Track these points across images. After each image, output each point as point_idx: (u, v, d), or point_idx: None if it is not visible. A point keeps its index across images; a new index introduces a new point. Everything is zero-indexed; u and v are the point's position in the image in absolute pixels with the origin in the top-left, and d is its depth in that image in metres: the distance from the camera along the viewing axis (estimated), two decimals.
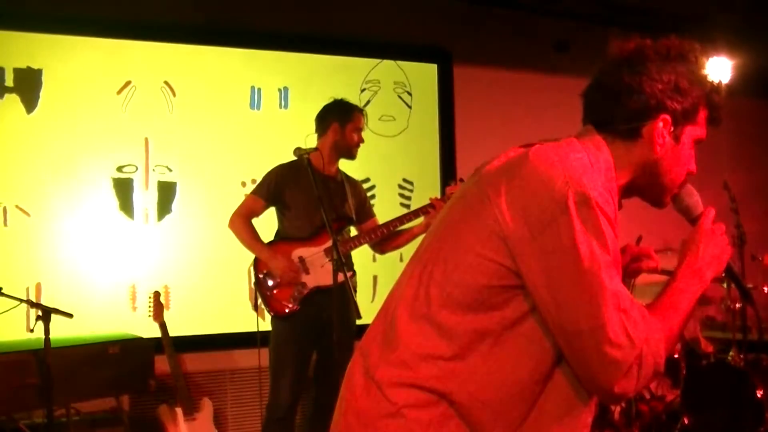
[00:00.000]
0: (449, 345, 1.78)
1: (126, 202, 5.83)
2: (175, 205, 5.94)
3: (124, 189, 5.83)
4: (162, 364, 5.26)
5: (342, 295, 4.87)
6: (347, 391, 1.96)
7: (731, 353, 5.91)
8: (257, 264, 4.92)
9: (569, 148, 1.83)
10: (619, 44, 1.99)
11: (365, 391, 1.87)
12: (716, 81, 1.97)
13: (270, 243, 4.96)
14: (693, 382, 6.14)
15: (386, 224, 5.01)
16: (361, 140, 5.15)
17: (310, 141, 5.20)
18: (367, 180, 6.42)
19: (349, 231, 5.12)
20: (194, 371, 5.84)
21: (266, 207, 5.02)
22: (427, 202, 5.01)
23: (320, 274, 4.86)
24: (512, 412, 1.80)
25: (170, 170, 5.95)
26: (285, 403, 4.86)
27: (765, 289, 6.23)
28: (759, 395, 5.66)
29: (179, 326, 5.58)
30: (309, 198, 4.86)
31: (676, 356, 6.60)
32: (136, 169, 5.87)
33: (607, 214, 1.72)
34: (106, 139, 5.78)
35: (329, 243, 4.80)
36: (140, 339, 5.07)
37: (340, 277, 4.80)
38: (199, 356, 5.83)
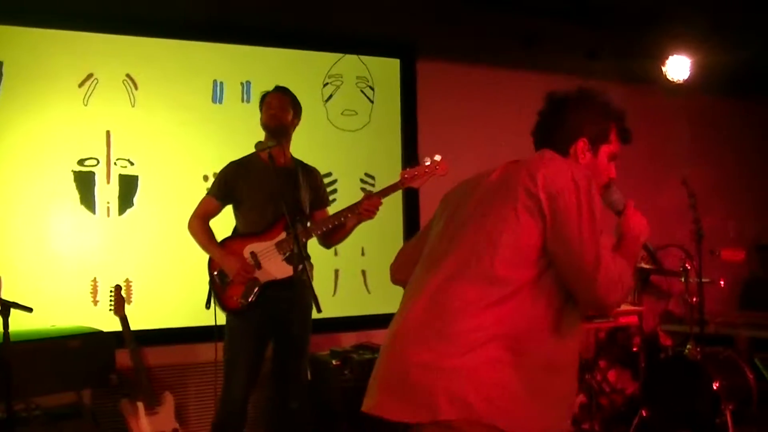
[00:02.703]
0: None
1: (87, 196, 5.80)
2: (136, 199, 5.92)
3: (85, 182, 5.80)
4: (123, 358, 5.24)
5: (299, 288, 4.89)
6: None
7: (689, 346, 5.99)
8: (211, 263, 4.96)
9: (557, 157, 2.73)
10: (553, 93, 2.92)
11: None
12: (621, 112, 2.89)
13: (223, 240, 4.98)
14: (652, 375, 6.22)
15: (333, 217, 4.96)
16: (272, 111, 5.06)
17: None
18: (329, 174, 6.43)
19: (305, 223, 5.08)
20: (156, 365, 5.83)
21: (221, 206, 5.06)
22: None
23: (272, 268, 4.86)
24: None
25: (132, 164, 5.93)
26: (238, 397, 4.89)
27: (721, 283, 6.31)
28: (715, 387, 5.76)
29: (141, 320, 5.56)
30: (260, 192, 4.93)
31: (635, 350, 6.69)
32: (98, 162, 5.84)
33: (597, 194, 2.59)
34: (67, 132, 5.75)
35: (281, 236, 4.85)
36: (101, 333, 5.06)
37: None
38: (160, 350, 5.82)
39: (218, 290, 4.91)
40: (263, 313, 4.87)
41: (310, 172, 5.17)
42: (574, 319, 2.63)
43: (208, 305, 4.92)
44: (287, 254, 4.85)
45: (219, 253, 4.91)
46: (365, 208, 4.84)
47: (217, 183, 5.08)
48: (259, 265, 4.86)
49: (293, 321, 4.94)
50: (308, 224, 5.07)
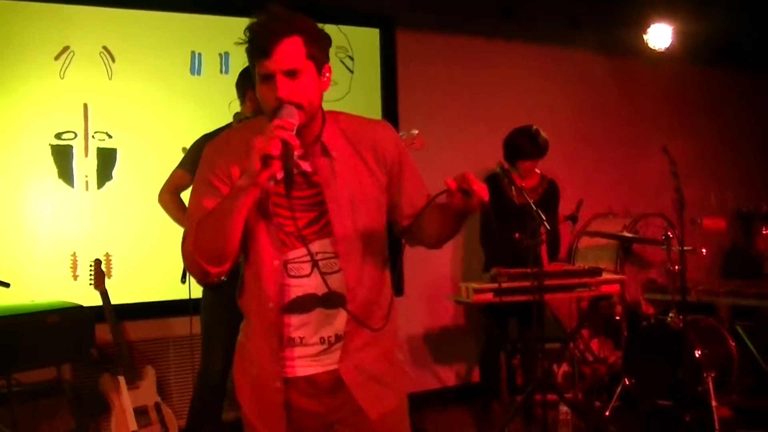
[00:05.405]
0: None
1: (65, 170, 5.75)
2: (115, 172, 5.88)
3: (63, 156, 5.75)
4: (104, 332, 5.22)
5: None
6: None
7: (671, 315, 6.01)
8: None
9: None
10: None
11: None
12: (249, 32, 2.44)
13: None
14: (634, 344, 6.23)
15: None
16: None
17: (235, 106, 5.14)
18: None
19: None
20: (136, 339, 5.81)
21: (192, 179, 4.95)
22: None
23: None
24: None
25: (110, 137, 5.88)
26: (216, 371, 4.87)
27: (703, 251, 6.32)
28: (697, 355, 5.78)
29: (121, 294, 5.54)
30: None
31: (617, 318, 6.70)
32: (75, 135, 5.79)
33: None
34: (44, 106, 5.69)
35: None
36: (81, 307, 5.02)
37: None
38: (141, 324, 5.80)
39: None
40: None
41: None
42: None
43: (183, 279, 4.89)
44: None
45: None
46: None
47: (190, 156, 4.98)
48: None
49: None
50: None
